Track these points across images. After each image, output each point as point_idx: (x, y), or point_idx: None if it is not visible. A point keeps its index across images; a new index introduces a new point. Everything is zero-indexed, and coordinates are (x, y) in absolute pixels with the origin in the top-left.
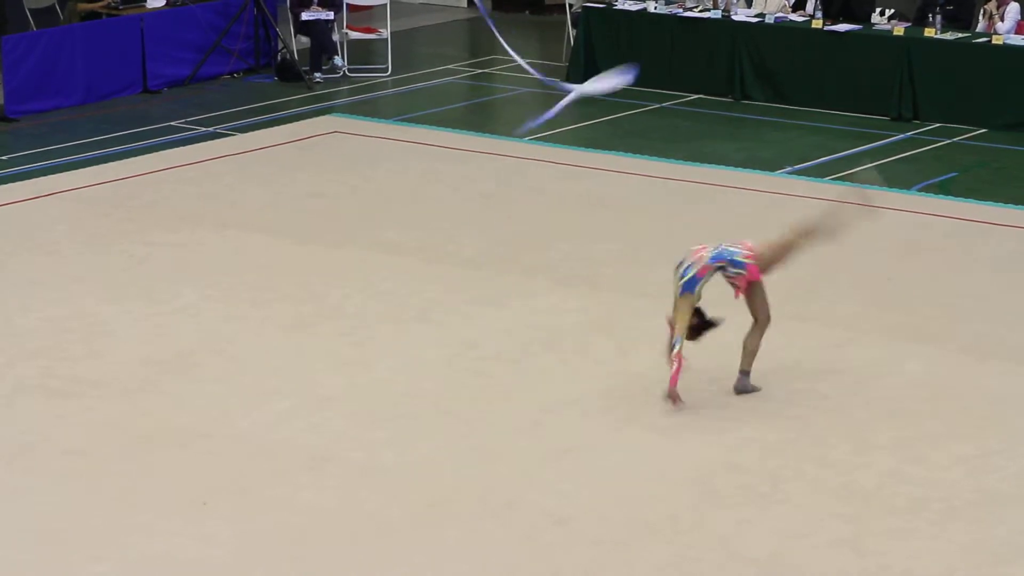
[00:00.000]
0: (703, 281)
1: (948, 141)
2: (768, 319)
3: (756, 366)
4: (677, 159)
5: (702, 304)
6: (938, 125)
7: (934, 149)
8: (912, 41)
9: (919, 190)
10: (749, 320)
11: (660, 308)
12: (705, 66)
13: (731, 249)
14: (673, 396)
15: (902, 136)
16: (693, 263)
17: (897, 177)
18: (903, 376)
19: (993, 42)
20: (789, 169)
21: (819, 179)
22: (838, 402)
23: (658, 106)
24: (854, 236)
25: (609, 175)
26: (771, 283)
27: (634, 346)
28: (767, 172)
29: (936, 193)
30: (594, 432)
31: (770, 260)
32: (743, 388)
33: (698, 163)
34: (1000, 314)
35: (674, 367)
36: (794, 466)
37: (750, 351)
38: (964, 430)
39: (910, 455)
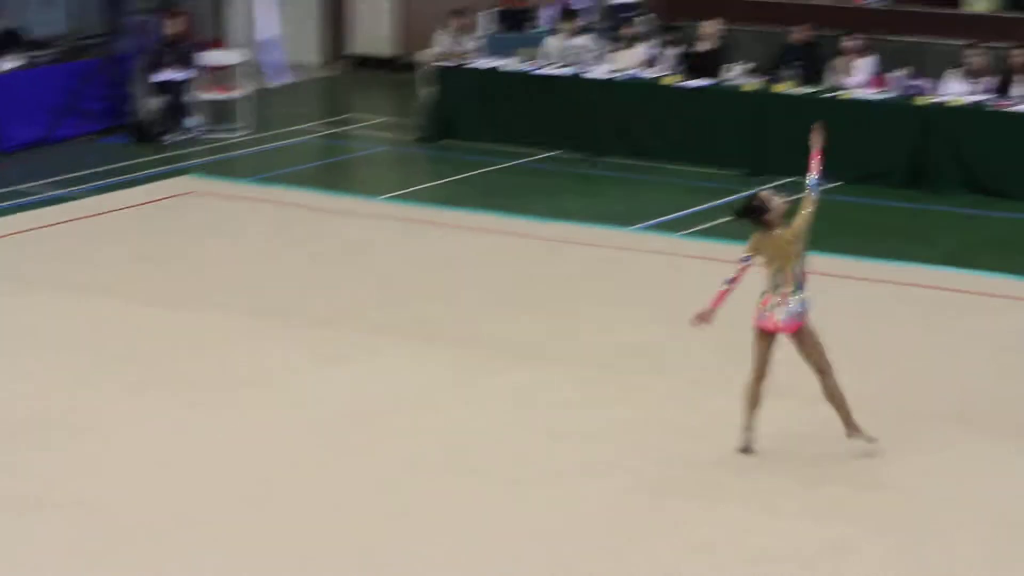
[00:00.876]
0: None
1: (799, 196)
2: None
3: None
4: (532, 215)
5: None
6: (789, 180)
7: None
8: (764, 96)
9: None
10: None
11: (511, 366)
12: (560, 123)
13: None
14: (704, 316)
15: (754, 191)
16: None
17: (748, 231)
18: (758, 429)
19: (841, 96)
20: (643, 224)
21: (674, 234)
22: (682, 453)
23: (513, 164)
24: (706, 291)
25: (464, 232)
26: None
27: (480, 401)
28: (622, 227)
29: None
30: (436, 489)
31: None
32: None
33: (553, 219)
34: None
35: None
36: (643, 519)
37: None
38: (812, 480)
39: (759, 505)
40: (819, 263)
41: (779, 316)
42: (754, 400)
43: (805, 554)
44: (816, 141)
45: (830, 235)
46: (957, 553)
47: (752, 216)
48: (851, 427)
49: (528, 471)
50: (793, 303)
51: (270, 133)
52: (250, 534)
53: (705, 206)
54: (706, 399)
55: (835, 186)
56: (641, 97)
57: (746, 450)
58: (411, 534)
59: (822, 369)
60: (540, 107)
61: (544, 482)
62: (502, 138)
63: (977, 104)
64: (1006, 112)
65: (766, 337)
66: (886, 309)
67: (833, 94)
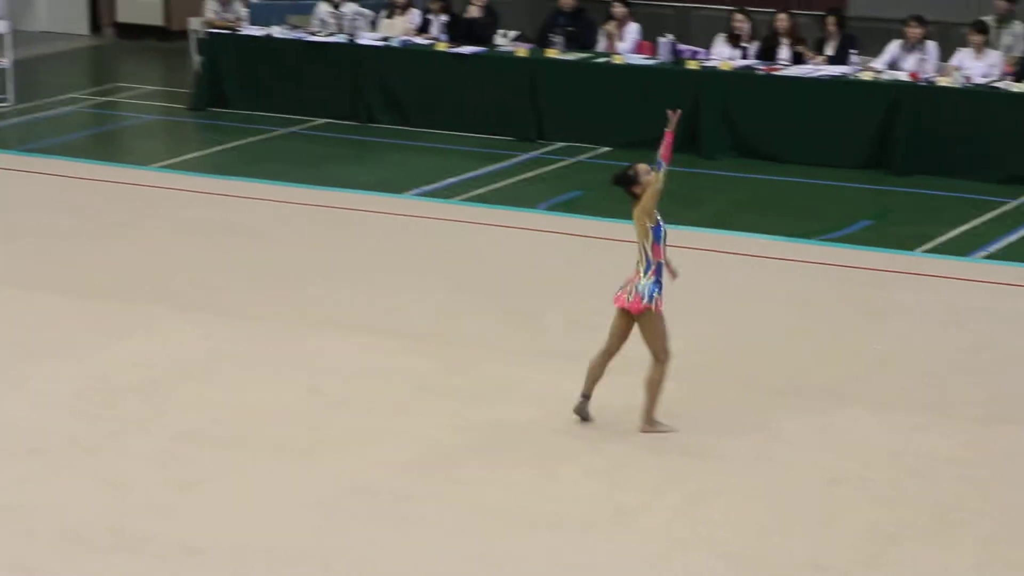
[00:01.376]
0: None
1: (572, 160)
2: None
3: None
4: (306, 184)
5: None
6: (562, 144)
7: (559, 168)
8: (535, 62)
9: (544, 209)
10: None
11: (294, 336)
12: (332, 90)
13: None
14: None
15: (527, 156)
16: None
17: (523, 196)
18: (533, 393)
19: (614, 61)
20: (417, 191)
21: (447, 200)
22: (470, 421)
23: (285, 131)
24: (486, 257)
25: (239, 201)
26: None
27: (263, 374)
28: (395, 195)
29: (563, 211)
30: (224, 462)
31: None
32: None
33: (327, 187)
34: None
35: (664, 148)
36: (426, 486)
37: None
38: (596, 443)
39: (542, 471)
40: (592, 227)
41: (628, 295)
42: (593, 372)
43: (590, 518)
44: (671, 123)
45: (600, 200)
46: (743, 518)
47: (621, 184)
48: (649, 421)
49: (310, 440)
50: (641, 283)
51: (35, 103)
52: (22, 507)
53: (479, 172)
54: (488, 365)
55: (606, 151)
56: (413, 64)
57: (582, 417)
58: (192, 507)
59: (657, 356)
60: (311, 75)
61: (326, 451)
62: (273, 106)
63: (746, 68)
64: (774, 76)
65: (621, 313)
66: None
67: (605, 60)
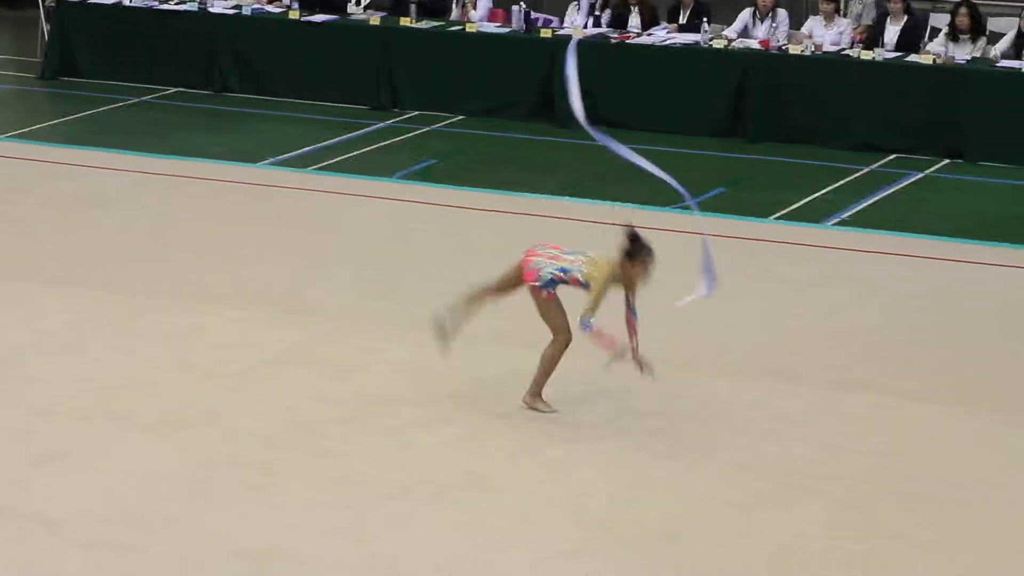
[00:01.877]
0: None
1: (427, 129)
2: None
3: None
4: (159, 154)
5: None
6: (416, 113)
7: (413, 137)
8: (389, 31)
9: (400, 178)
10: None
11: (153, 307)
12: (184, 59)
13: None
14: (624, 357)
15: (382, 125)
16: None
17: (378, 165)
18: (393, 363)
19: (467, 30)
20: (273, 160)
21: (301, 169)
22: (331, 392)
23: (138, 100)
24: (342, 226)
25: (93, 172)
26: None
27: (129, 345)
28: (249, 164)
29: (418, 180)
30: (84, 435)
31: None
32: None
33: (180, 156)
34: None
35: (603, 339)
36: (289, 458)
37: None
38: (452, 414)
39: (402, 441)
40: (447, 196)
41: (536, 263)
42: (472, 298)
43: (445, 487)
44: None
45: (455, 169)
46: (598, 487)
47: (633, 244)
48: (533, 395)
49: (172, 413)
50: (549, 268)
51: None
52: None
53: (333, 141)
54: (350, 336)
55: (461, 120)
56: (265, 33)
57: (440, 331)
58: (50, 480)
59: (553, 333)
60: (163, 43)
61: (189, 423)
62: (125, 75)
63: (598, 36)
64: (627, 44)
65: (517, 271)
66: (520, 238)
67: (458, 28)
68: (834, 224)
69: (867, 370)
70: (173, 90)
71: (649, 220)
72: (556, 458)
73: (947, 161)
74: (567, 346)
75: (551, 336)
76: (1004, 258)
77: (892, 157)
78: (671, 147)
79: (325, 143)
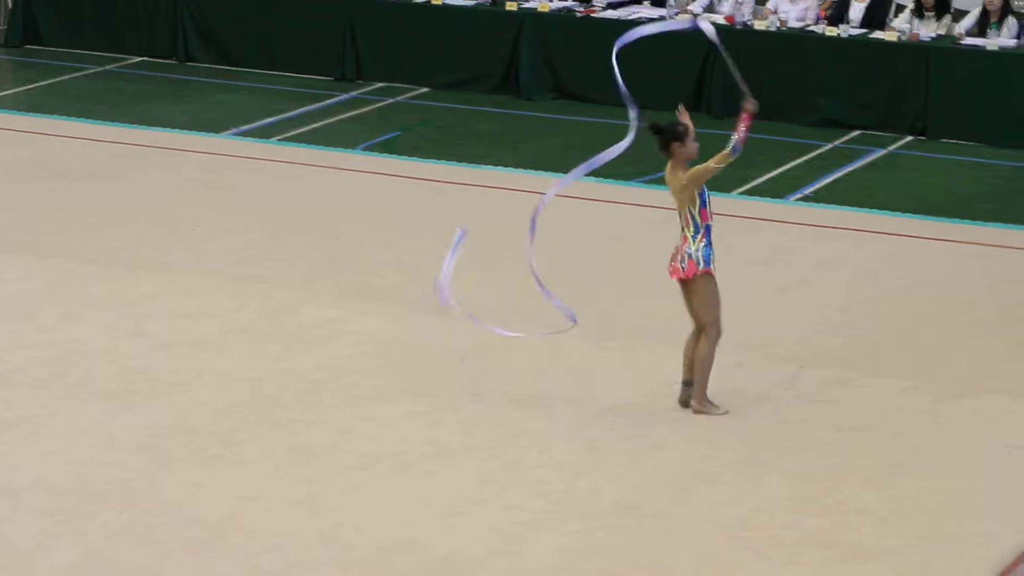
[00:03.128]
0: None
1: (391, 100)
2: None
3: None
4: (122, 123)
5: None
6: (381, 85)
7: (378, 109)
8: (354, 2)
9: (364, 149)
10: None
11: (113, 276)
12: (148, 28)
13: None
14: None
15: (346, 96)
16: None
17: (342, 137)
18: (354, 335)
19: (433, 2)
20: (236, 130)
21: (266, 140)
22: (291, 363)
23: (101, 69)
24: (305, 197)
25: (55, 140)
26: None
27: (87, 313)
28: (213, 134)
29: (381, 152)
30: (40, 402)
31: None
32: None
33: (142, 126)
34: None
35: (742, 133)
36: (247, 428)
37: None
38: (414, 385)
39: (362, 412)
40: (410, 168)
41: (680, 262)
42: (688, 355)
43: (407, 458)
44: (748, 107)
45: (419, 141)
46: (558, 459)
47: (665, 136)
48: (703, 400)
49: (133, 382)
50: (693, 248)
51: None
52: None
53: (297, 112)
54: (310, 307)
55: (425, 92)
56: (231, 2)
57: (683, 404)
58: (5, 447)
59: (706, 328)
60: (127, 12)
61: (149, 392)
62: (89, 44)
63: (564, 10)
64: (592, 18)
65: (682, 285)
66: (483, 211)
67: (424, 0)
68: (797, 199)
69: (827, 345)
70: (137, 59)
71: (612, 194)
72: (518, 431)
73: (910, 138)
74: (718, 339)
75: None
76: (966, 235)
77: (856, 133)
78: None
79: (289, 114)
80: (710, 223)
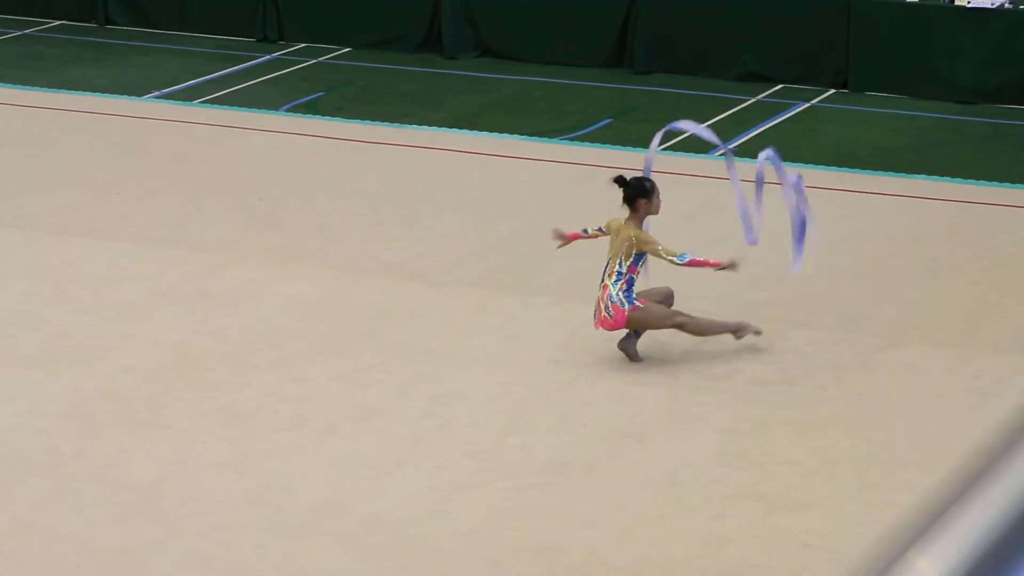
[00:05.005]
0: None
1: (314, 61)
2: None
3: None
4: (41, 87)
5: None
6: (303, 45)
7: (300, 69)
8: None
9: (287, 110)
10: None
11: (34, 239)
12: None
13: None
14: (727, 266)
15: (268, 57)
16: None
17: (265, 98)
18: (279, 297)
19: None
20: (157, 93)
21: (188, 103)
22: (216, 326)
23: (20, 33)
24: (228, 160)
25: None
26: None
27: (8, 280)
28: (134, 97)
29: (304, 113)
30: None
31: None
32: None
33: (62, 90)
34: (372, 229)
35: (703, 260)
36: (174, 392)
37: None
38: (340, 347)
39: (288, 374)
40: (333, 128)
41: (606, 312)
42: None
43: (335, 419)
44: (726, 264)
45: (342, 101)
46: (487, 418)
47: (630, 190)
48: (740, 330)
49: (57, 347)
50: (614, 295)
51: None
52: None
53: (219, 74)
54: (234, 270)
55: (348, 52)
56: None
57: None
58: None
59: (677, 326)
60: None
61: (74, 358)
62: (7, 7)
63: None
64: None
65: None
66: (408, 171)
67: None
68: (720, 155)
69: (752, 299)
70: (56, 23)
71: (533, 151)
72: (445, 392)
73: (833, 91)
74: (692, 321)
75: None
76: (891, 187)
77: (779, 87)
78: (559, 79)
79: (210, 76)
80: (634, 276)
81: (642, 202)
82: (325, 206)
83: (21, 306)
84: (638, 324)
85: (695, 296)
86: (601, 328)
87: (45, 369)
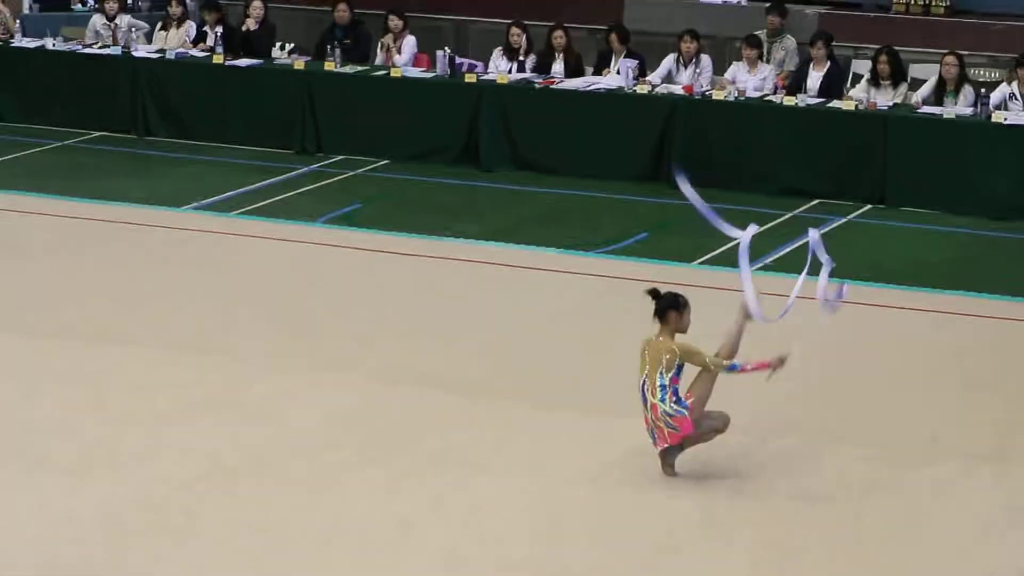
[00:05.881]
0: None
1: (351, 173)
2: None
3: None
4: (80, 197)
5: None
6: (341, 157)
7: (338, 181)
8: (313, 75)
9: (325, 222)
10: None
11: (70, 351)
12: (107, 103)
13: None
14: (775, 364)
15: (307, 169)
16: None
17: (302, 209)
18: (313, 407)
19: (392, 75)
20: (196, 204)
21: (224, 214)
22: (253, 438)
23: (60, 144)
24: (264, 271)
25: (12, 216)
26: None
27: (44, 388)
28: (173, 208)
29: (341, 224)
30: (1, 478)
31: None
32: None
33: (101, 201)
34: (407, 340)
35: (753, 366)
36: (209, 501)
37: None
38: (375, 457)
39: (321, 484)
40: (370, 240)
41: (665, 431)
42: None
43: (370, 532)
44: (775, 363)
45: (379, 213)
46: (522, 527)
47: (662, 303)
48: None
49: (91, 455)
50: (669, 410)
51: None
52: None
53: (258, 185)
54: (268, 380)
55: (385, 164)
56: (189, 77)
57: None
58: None
59: (718, 429)
60: (86, 88)
61: (108, 466)
62: (48, 120)
63: (523, 82)
64: (551, 89)
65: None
66: (444, 283)
67: (383, 73)
68: (757, 270)
69: (787, 416)
70: (96, 134)
71: (570, 265)
72: (481, 501)
73: (869, 206)
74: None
75: None
76: (925, 302)
77: (815, 202)
78: (595, 192)
79: (248, 187)
80: (677, 387)
81: (673, 315)
82: (360, 316)
83: (56, 414)
84: (691, 438)
85: (732, 411)
86: (669, 444)
87: (80, 477)
